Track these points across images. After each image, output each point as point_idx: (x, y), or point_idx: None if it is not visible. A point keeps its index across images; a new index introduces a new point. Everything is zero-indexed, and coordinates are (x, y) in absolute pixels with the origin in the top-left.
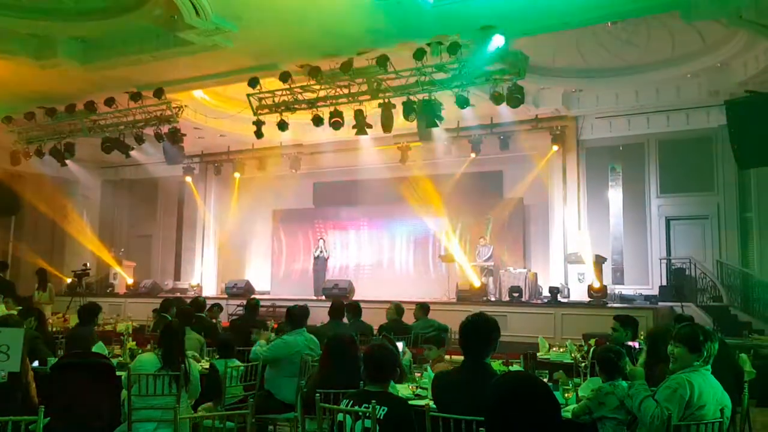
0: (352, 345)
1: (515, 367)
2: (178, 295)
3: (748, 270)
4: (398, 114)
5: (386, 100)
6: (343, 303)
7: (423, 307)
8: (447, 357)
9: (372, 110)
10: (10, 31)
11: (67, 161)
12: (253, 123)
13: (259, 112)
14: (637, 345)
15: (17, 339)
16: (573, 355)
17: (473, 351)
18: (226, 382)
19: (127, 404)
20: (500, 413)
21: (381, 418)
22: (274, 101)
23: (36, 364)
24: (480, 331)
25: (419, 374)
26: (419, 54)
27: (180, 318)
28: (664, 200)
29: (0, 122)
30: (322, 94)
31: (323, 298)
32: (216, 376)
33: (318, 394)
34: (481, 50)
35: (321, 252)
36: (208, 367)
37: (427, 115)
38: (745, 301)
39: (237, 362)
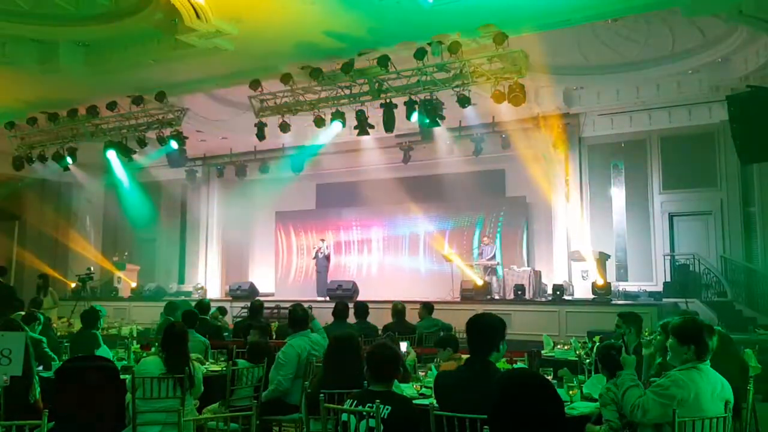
0: (356, 345)
1: (519, 365)
2: (183, 297)
3: (752, 265)
4: (400, 114)
5: (388, 100)
6: (346, 304)
7: (427, 307)
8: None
9: (374, 110)
10: (13, 36)
11: (70, 166)
12: (255, 125)
13: (260, 113)
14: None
15: (19, 343)
16: (577, 352)
17: (479, 350)
18: (235, 384)
19: (132, 407)
20: (504, 410)
21: (385, 417)
22: (275, 103)
23: (41, 368)
24: (486, 330)
25: (423, 373)
26: (420, 54)
27: (184, 321)
28: (667, 196)
29: (2, 127)
30: (323, 95)
31: (327, 298)
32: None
33: (322, 395)
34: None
35: (321, 252)
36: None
37: (428, 114)
38: (750, 297)
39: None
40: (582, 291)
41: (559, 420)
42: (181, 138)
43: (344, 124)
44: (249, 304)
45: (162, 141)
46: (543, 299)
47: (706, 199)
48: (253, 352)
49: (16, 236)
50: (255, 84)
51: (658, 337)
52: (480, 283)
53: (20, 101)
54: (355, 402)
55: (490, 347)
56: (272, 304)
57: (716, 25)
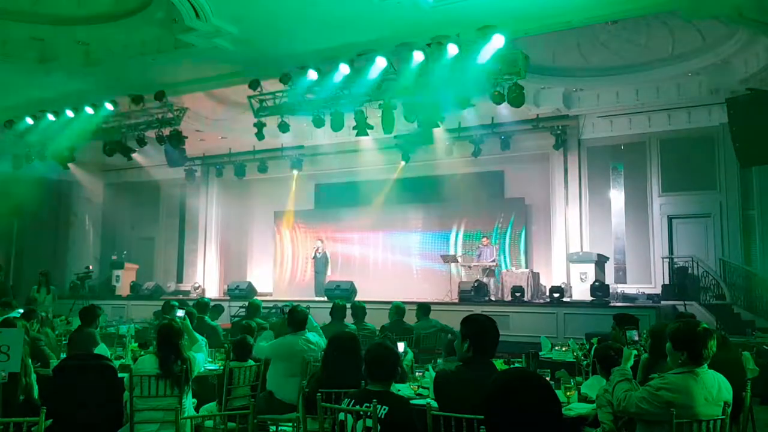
0: (355, 345)
1: (517, 366)
2: (181, 297)
3: (751, 268)
4: (399, 115)
5: (387, 101)
6: (344, 304)
7: (423, 308)
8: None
9: (373, 111)
10: (13, 35)
11: (70, 164)
12: (254, 125)
13: (260, 113)
14: (636, 338)
15: (17, 339)
16: (575, 354)
17: (479, 350)
18: (233, 383)
19: (130, 406)
20: (500, 409)
21: (382, 417)
22: (275, 103)
23: (38, 365)
24: (485, 330)
25: (421, 374)
26: (420, 54)
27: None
28: (666, 199)
29: (2, 126)
30: (322, 95)
31: (325, 298)
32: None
33: (319, 394)
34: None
35: (319, 252)
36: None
37: (427, 115)
38: (749, 299)
39: (252, 363)
40: (580, 293)
41: (556, 420)
42: (180, 137)
43: (343, 125)
44: (247, 303)
45: (161, 140)
46: (541, 301)
47: (705, 202)
48: (238, 350)
49: (15, 234)
50: (254, 84)
51: (645, 339)
52: (478, 284)
53: (20, 100)
54: (353, 401)
55: (489, 347)
56: (270, 304)
57: (716, 28)
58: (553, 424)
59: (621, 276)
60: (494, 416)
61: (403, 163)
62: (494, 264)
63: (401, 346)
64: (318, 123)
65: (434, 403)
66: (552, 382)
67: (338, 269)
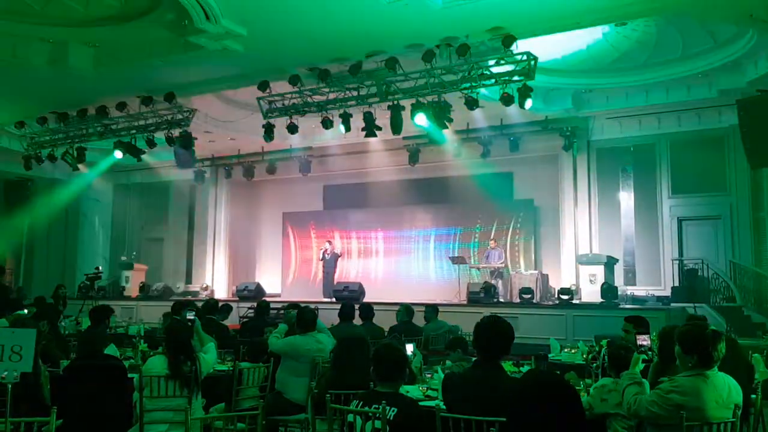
0: (364, 346)
1: (525, 369)
2: (190, 297)
3: (762, 270)
4: (408, 116)
5: (395, 102)
6: (353, 305)
7: (432, 309)
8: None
9: (381, 112)
10: (23, 37)
11: (79, 165)
12: (263, 126)
13: (268, 115)
14: (647, 342)
15: (30, 339)
16: (584, 356)
17: (491, 352)
18: (242, 383)
19: (139, 406)
20: (527, 410)
21: (391, 418)
22: (283, 104)
23: (49, 366)
24: (501, 333)
25: (430, 375)
26: (428, 56)
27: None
28: (676, 201)
29: (13, 127)
30: (331, 96)
31: (333, 300)
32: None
33: (328, 395)
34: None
35: (328, 254)
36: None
37: (436, 116)
38: (759, 302)
39: (261, 364)
40: (589, 295)
41: (580, 421)
42: (189, 138)
43: (349, 128)
44: (255, 304)
45: (170, 141)
46: (550, 303)
47: (715, 204)
48: (254, 352)
49: (26, 235)
50: (263, 85)
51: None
52: (485, 285)
53: (30, 101)
54: (361, 403)
55: (502, 350)
56: (279, 305)
57: (727, 29)
58: (577, 425)
59: (630, 278)
60: (519, 417)
61: (411, 164)
62: (503, 266)
63: (410, 348)
64: (326, 124)
65: (443, 405)
66: None
67: (346, 270)
